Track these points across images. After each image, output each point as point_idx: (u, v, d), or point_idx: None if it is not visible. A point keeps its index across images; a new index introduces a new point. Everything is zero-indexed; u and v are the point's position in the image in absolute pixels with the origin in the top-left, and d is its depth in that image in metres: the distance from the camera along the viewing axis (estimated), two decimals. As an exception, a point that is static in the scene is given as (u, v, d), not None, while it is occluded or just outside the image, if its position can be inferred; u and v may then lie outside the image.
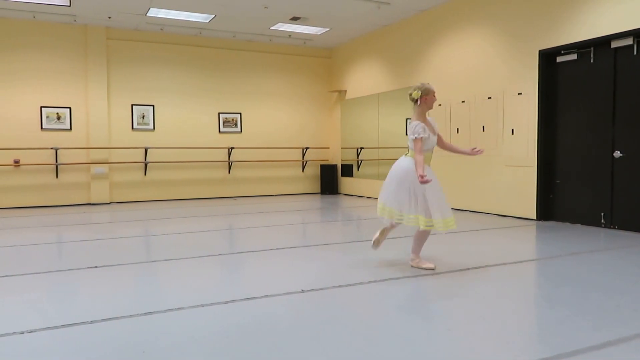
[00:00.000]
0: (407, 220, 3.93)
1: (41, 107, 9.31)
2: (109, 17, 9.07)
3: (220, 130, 10.81)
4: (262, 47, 11.06)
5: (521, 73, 7.00)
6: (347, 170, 11.49)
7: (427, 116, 4.15)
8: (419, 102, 4.07)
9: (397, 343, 2.57)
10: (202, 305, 3.19)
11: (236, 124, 10.96)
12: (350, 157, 11.42)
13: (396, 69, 9.68)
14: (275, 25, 9.71)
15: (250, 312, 3.08)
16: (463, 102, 8.01)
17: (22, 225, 7.12)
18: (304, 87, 11.65)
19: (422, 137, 3.89)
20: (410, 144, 4.02)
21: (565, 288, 3.61)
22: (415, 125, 3.94)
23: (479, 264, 4.34)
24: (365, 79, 10.67)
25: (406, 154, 4.12)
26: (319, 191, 11.80)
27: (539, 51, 6.72)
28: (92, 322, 2.88)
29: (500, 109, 7.33)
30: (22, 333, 2.72)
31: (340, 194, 11.59)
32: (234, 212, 8.55)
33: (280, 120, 11.37)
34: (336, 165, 11.69)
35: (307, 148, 11.59)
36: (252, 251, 5.03)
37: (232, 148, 10.78)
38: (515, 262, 4.44)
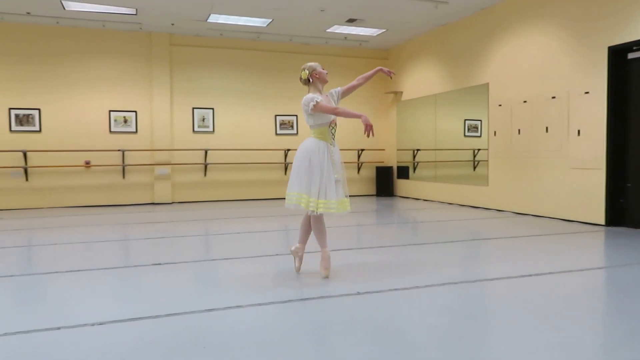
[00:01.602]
0: (304, 202, 3.79)
1: (110, 111, 9.81)
2: (172, 24, 9.44)
3: (277, 133, 10.98)
4: (318, 50, 11.14)
5: (588, 71, 6.67)
6: (403, 172, 11.36)
7: (321, 92, 4.04)
8: (311, 80, 4.02)
9: (456, 348, 2.52)
10: (260, 304, 3.25)
11: (292, 126, 11.09)
12: (406, 159, 11.29)
13: (454, 69, 9.48)
14: (331, 28, 9.77)
15: (307, 313, 3.12)
16: (525, 102, 7.73)
17: (92, 222, 7.52)
18: (360, 88, 11.57)
19: (319, 101, 3.79)
20: (310, 120, 3.92)
21: (635, 298, 3.40)
22: (306, 97, 3.85)
23: (542, 270, 4.17)
24: (421, 79, 10.52)
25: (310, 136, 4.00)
26: (375, 193, 11.74)
27: (608, 47, 6.38)
28: (156, 317, 3.01)
29: (565, 109, 7.01)
30: (93, 325, 2.88)
31: (396, 196, 11.48)
32: (290, 213, 8.65)
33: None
34: (392, 167, 11.58)
35: (362, 150, 11.57)
36: (308, 252, 5.07)
37: (288, 150, 10.92)
38: (581, 270, 4.24)
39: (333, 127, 3.98)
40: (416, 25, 9.65)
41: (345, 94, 4.22)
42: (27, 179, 9.33)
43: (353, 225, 7.39)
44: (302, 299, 3.35)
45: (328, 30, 9.90)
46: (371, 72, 4.29)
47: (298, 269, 4.13)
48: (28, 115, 9.31)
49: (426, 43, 10.33)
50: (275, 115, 10.97)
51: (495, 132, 8.40)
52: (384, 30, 9.95)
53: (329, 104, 3.98)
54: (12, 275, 4.21)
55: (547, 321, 2.93)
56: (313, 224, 4.00)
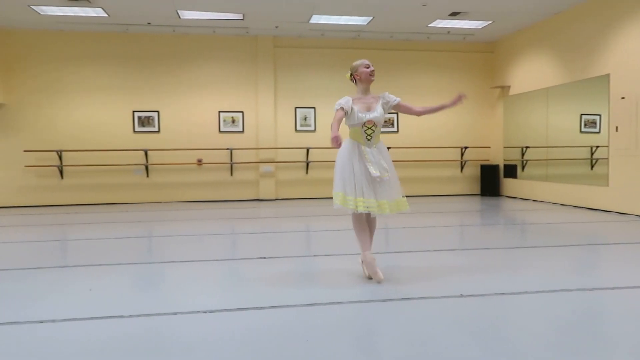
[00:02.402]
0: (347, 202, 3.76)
1: (219, 112, 10.41)
2: (276, 27, 9.78)
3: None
4: (419, 46, 10.93)
5: None
6: (511, 171, 10.78)
7: (366, 92, 3.94)
8: (355, 81, 3.97)
9: (569, 361, 2.35)
10: (361, 302, 3.26)
11: (392, 124, 11.00)
12: (513, 156, 10.70)
13: (568, 60, 8.80)
14: (434, 22, 9.52)
15: (409, 312, 3.07)
16: (653, 93, 6.96)
17: (203, 217, 8.03)
18: (463, 84, 11.23)
19: (338, 109, 3.79)
20: (346, 120, 3.92)
21: None
22: (341, 99, 3.85)
23: (673, 280, 3.74)
24: (532, 72, 9.90)
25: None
26: (479, 192, 11.27)
27: None
28: (261, 307, 3.14)
29: None
30: (205, 312, 3.08)
31: (502, 196, 10.93)
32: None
33: (437, 119, 11.11)
34: (498, 165, 11.04)
35: (466, 147, 11.16)
36: (409, 252, 5.01)
37: (388, 148, 10.81)
38: None
39: (369, 128, 3.87)
40: (525, 15, 9.10)
41: (398, 109, 4.02)
42: (147, 176, 10.20)
43: (455, 225, 7.17)
44: (403, 298, 3.32)
45: (430, 25, 9.67)
46: (436, 106, 4.07)
47: (374, 276, 3.79)
48: (149, 117, 10.17)
49: (536, 34, 9.70)
50: (376, 113, 10.92)
51: (617, 128, 7.68)
52: (489, 22, 9.50)
53: (369, 106, 3.88)
54: (135, 263, 4.63)
55: (680, 337, 2.62)
56: (353, 223, 3.94)
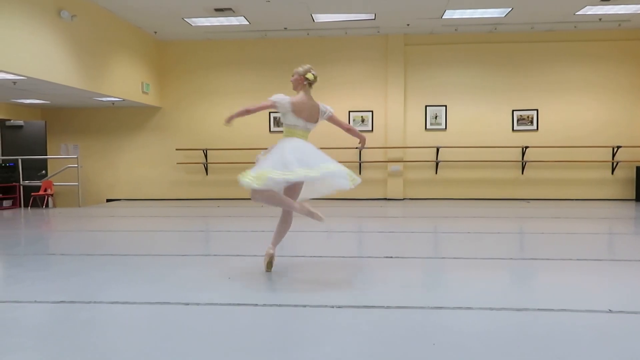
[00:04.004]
0: None
1: (349, 112, 10.59)
2: (408, 25, 9.68)
3: (514, 129, 10.30)
4: (564, 36, 10.06)
5: None
6: (674, 174, 9.45)
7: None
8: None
9: None
10: (491, 309, 3.10)
11: (532, 122, 10.27)
12: (679, 157, 9.36)
13: None
14: (582, 10, 8.69)
15: (544, 324, 2.85)
16: None
17: (331, 214, 8.22)
18: (616, 76, 10.09)
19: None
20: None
21: None
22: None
23: None
24: None
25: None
26: (634, 198, 10.05)
27: None
28: (387, 307, 3.14)
29: None
30: (333, 307, 3.16)
31: (662, 201, 9.64)
32: (526, 215, 8.04)
33: (583, 116, 10.15)
34: (658, 167, 9.75)
35: (618, 147, 10.01)
36: (546, 259, 4.64)
37: (526, 147, 10.14)
38: None
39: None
40: (699, -6, 7.90)
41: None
42: (281, 173, 10.74)
43: (603, 233, 6.49)
44: (538, 309, 3.08)
45: (578, 13, 8.83)
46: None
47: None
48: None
49: None
50: (512, 110, 10.30)
51: None
52: (651, 5, 8.42)
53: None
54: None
55: None
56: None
